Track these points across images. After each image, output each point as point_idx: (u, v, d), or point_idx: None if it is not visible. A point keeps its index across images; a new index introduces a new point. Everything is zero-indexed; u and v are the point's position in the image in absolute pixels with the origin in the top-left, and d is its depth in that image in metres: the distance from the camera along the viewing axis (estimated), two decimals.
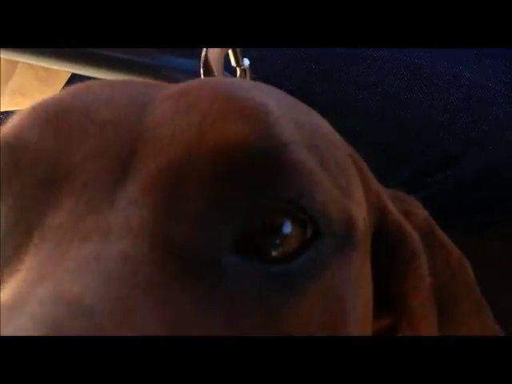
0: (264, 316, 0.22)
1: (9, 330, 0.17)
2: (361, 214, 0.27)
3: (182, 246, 0.21)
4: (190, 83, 0.27)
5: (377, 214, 0.30)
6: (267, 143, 0.23)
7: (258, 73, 0.52)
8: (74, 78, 0.69)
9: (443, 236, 0.34)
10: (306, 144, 0.25)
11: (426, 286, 0.30)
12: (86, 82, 0.28)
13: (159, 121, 0.24)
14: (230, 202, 0.22)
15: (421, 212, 0.33)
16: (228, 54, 0.47)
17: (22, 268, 0.21)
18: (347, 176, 0.27)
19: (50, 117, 0.25)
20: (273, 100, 0.25)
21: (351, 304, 0.25)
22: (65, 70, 0.65)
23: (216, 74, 0.43)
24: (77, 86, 0.27)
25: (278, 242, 0.22)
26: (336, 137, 0.29)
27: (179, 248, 0.21)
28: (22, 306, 0.18)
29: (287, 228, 0.23)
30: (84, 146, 0.23)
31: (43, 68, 0.66)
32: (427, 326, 0.30)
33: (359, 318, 0.26)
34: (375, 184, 0.31)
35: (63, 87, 0.72)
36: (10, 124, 0.26)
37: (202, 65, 0.43)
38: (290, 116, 0.25)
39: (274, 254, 0.22)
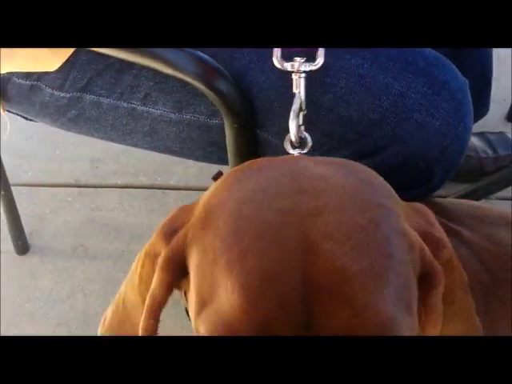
0: None
1: None
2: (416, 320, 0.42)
3: None
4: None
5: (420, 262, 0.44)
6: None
7: None
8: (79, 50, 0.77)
9: (457, 262, 0.49)
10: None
11: (440, 301, 0.45)
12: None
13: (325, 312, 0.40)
14: None
15: (446, 248, 0.47)
16: None
17: None
18: (409, 290, 0.42)
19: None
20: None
21: None
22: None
23: None
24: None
25: None
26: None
27: None
28: None
29: None
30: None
31: None
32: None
33: None
34: (421, 244, 0.45)
35: (70, 56, 0.79)
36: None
37: None
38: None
39: None
